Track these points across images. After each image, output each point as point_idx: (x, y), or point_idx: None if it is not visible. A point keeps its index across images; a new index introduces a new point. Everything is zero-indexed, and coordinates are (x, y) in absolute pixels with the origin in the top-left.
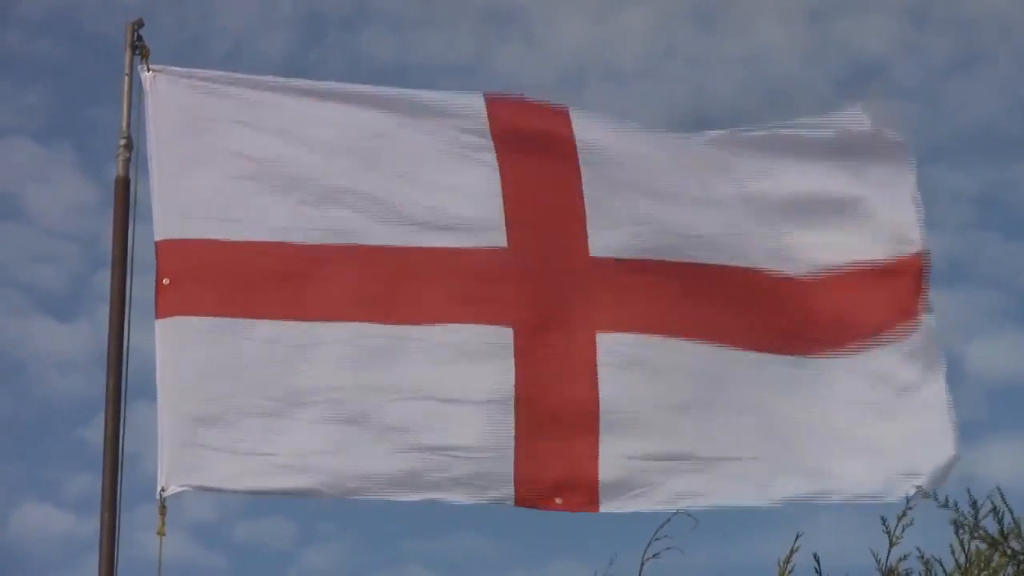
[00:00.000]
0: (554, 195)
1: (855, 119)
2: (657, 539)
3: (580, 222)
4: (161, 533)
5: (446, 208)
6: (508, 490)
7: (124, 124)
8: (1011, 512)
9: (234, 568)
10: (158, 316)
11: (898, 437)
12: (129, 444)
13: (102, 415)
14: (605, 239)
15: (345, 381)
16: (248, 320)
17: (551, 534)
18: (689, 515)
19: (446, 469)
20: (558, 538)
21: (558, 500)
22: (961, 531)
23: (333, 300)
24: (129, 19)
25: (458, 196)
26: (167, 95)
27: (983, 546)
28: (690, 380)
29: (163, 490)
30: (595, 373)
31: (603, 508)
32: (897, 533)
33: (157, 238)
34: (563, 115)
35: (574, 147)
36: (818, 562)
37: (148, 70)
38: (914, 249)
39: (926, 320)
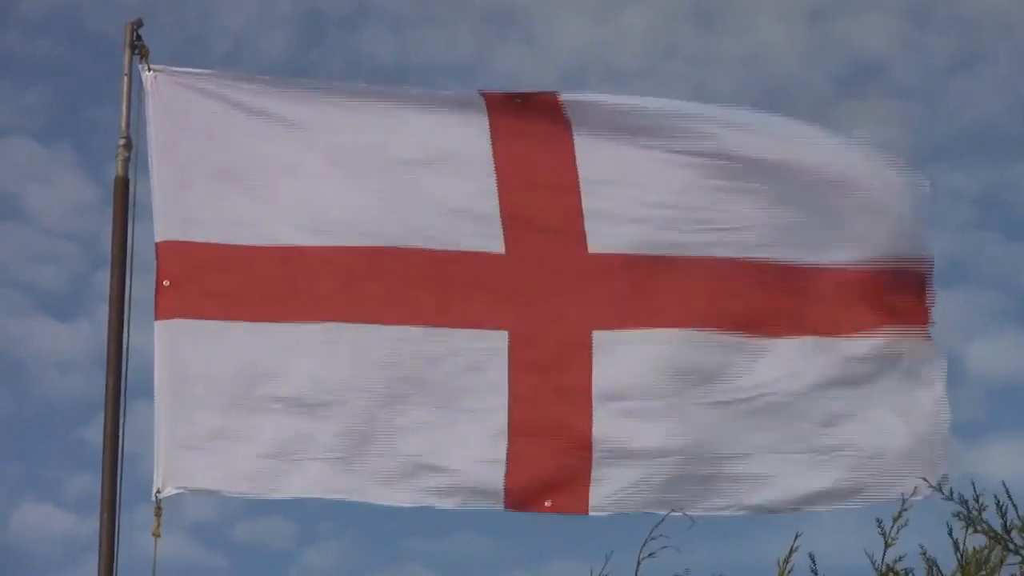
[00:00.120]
0: (551, 194)
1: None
2: (653, 539)
3: (578, 220)
4: (156, 535)
5: (444, 211)
6: (499, 494)
7: (123, 124)
8: (1015, 507)
9: (234, 568)
10: (158, 317)
11: (894, 438)
12: (129, 444)
13: (102, 415)
14: (603, 236)
15: (343, 384)
16: (247, 323)
17: (551, 534)
18: (686, 514)
19: (439, 472)
20: (559, 537)
21: (548, 503)
22: (962, 524)
23: (332, 303)
24: (129, 19)
25: (455, 199)
26: (167, 95)
27: (983, 540)
28: (687, 375)
29: (159, 492)
30: (590, 374)
31: (593, 512)
32: (892, 534)
33: (157, 239)
34: (559, 109)
35: (572, 143)
36: (813, 562)
37: (148, 70)
38: (920, 255)
39: (929, 326)
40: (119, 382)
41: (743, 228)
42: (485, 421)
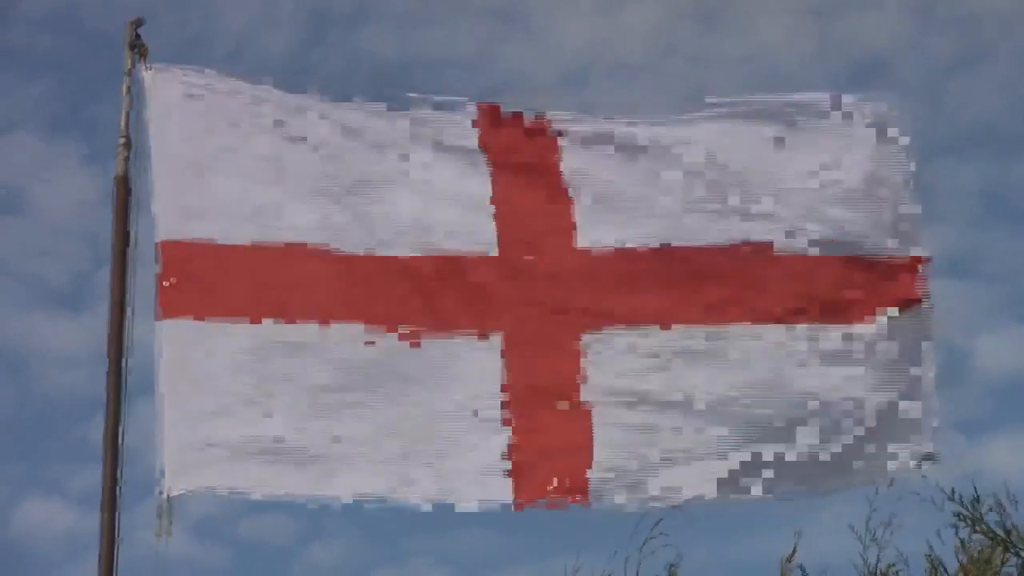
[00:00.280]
0: (542, 196)
1: (858, 109)
2: (652, 537)
3: (567, 221)
4: (160, 535)
5: (440, 216)
6: (506, 494)
7: (123, 123)
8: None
9: (238, 564)
10: (160, 317)
11: (881, 421)
12: (132, 440)
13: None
14: (593, 233)
15: (344, 385)
16: (249, 323)
17: (555, 529)
18: (680, 510)
19: (441, 474)
20: (563, 533)
21: (548, 500)
22: (963, 525)
23: (332, 304)
24: (132, 15)
25: (451, 204)
26: (167, 94)
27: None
28: (684, 368)
29: (164, 492)
30: (584, 370)
31: (594, 505)
32: (882, 536)
33: (159, 239)
34: (546, 126)
35: (558, 149)
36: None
37: (148, 69)
38: (914, 252)
39: (925, 308)
40: (119, 386)
41: (730, 220)
42: (485, 423)
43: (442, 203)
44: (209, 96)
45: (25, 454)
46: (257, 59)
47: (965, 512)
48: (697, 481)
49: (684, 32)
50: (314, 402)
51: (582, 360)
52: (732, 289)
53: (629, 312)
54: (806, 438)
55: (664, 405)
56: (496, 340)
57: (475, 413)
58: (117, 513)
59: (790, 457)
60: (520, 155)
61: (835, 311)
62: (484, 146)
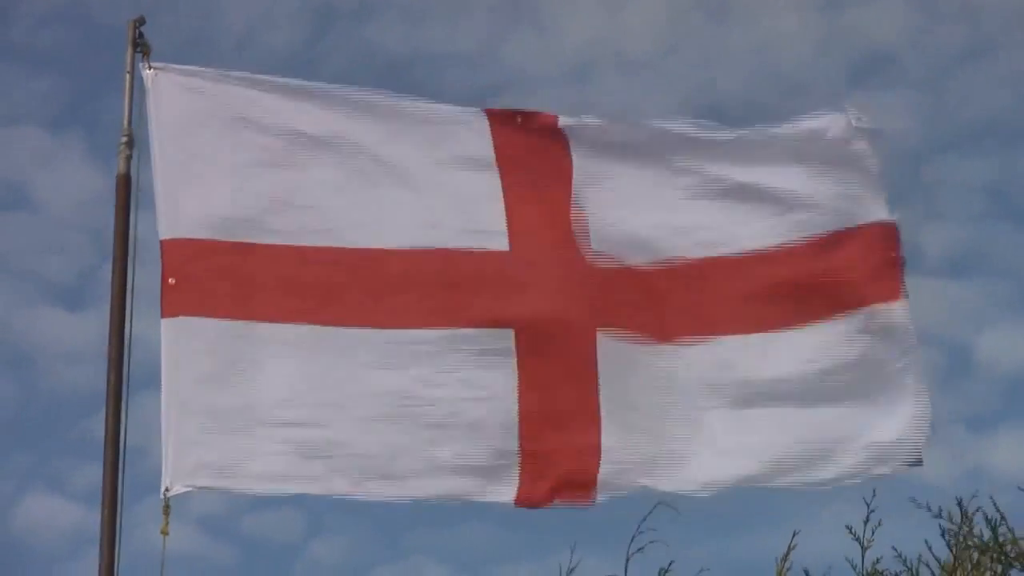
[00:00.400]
0: (554, 200)
1: (830, 124)
2: (641, 532)
3: (581, 220)
4: (165, 532)
5: (449, 212)
6: (510, 491)
7: (125, 122)
8: (1005, 520)
9: (242, 561)
10: (164, 315)
11: (867, 416)
12: (134, 436)
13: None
14: (605, 240)
15: (350, 384)
16: (253, 322)
17: (559, 526)
18: (677, 511)
19: (449, 470)
20: (566, 530)
21: (557, 498)
22: (951, 540)
23: (338, 303)
24: (138, 8)
25: (461, 201)
26: (168, 93)
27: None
28: (690, 375)
29: (167, 490)
30: (595, 371)
31: (600, 501)
32: (868, 536)
33: (162, 237)
34: (557, 127)
35: (570, 158)
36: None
37: (149, 68)
38: (879, 218)
39: (902, 302)
40: (119, 385)
41: (739, 228)
42: (496, 419)
43: (453, 200)
44: (211, 94)
45: (29, 450)
46: (261, 56)
47: (953, 528)
48: (700, 475)
49: (689, 27)
50: (321, 400)
51: (594, 358)
52: (742, 298)
53: (640, 315)
54: (800, 432)
55: (670, 404)
56: (507, 336)
57: (483, 412)
58: (118, 510)
59: (786, 451)
60: (532, 159)
61: (827, 303)
62: (496, 149)
